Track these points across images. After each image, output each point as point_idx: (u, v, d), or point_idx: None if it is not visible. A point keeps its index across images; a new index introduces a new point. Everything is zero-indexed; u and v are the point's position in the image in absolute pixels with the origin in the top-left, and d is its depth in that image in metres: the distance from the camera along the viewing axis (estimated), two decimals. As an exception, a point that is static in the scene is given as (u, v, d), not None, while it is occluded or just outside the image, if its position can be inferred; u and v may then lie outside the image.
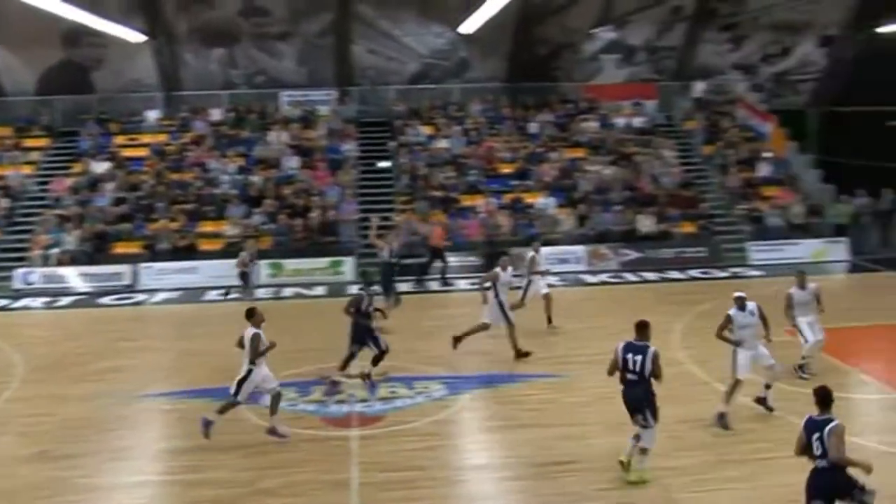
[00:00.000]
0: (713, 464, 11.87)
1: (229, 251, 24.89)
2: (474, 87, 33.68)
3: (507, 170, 29.92)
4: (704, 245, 27.38)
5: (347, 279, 25.26)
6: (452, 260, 25.80)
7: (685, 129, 33.35)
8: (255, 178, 28.63)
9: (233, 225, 26.60)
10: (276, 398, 12.82)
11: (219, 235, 26.45)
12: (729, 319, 13.41)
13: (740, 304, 13.47)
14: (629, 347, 11.22)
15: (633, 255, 26.62)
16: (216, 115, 32.21)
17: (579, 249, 26.47)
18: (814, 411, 8.99)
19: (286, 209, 27.16)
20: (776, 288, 17.20)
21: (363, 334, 15.02)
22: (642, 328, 11.33)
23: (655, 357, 11.08)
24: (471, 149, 30.57)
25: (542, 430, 13.08)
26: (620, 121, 32.98)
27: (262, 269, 25.00)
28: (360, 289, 15.62)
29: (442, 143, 30.77)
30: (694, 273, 25.72)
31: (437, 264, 25.56)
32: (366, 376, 15.00)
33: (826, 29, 34.68)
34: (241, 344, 12.66)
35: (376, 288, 17.45)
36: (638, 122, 33.17)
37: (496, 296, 16.79)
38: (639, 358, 11.10)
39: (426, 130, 31.66)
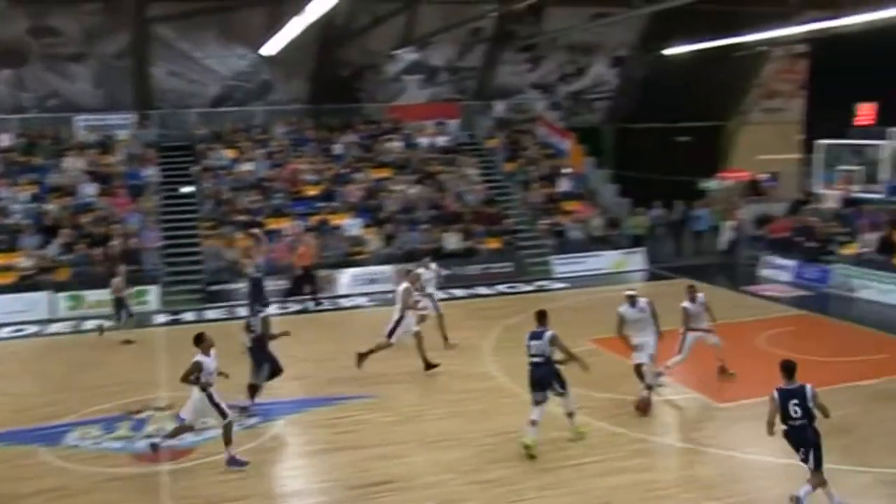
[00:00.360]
0: (527, 473, 12.17)
1: (23, 285, 23.82)
2: (278, 109, 33.37)
3: (312, 192, 29.75)
4: (510, 260, 28.08)
5: (153, 308, 24.52)
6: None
7: (487, 148, 34.10)
8: (50, 207, 27.33)
9: (27, 257, 25.29)
10: (228, 427, 12.57)
11: (11, 268, 25.07)
12: (621, 317, 14.67)
13: (631, 301, 14.70)
14: (531, 336, 12.94)
15: (440, 272, 26.98)
16: (5, 140, 30.50)
17: (387, 269, 26.63)
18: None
19: (85, 238, 26.04)
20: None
21: (260, 357, 15.05)
22: (541, 316, 13.05)
23: (552, 339, 12.80)
24: (275, 171, 30.26)
25: (357, 451, 13.09)
26: (424, 140, 33.43)
27: (61, 302, 23.99)
28: (249, 317, 15.87)
29: (246, 167, 30.30)
30: (501, 288, 26.36)
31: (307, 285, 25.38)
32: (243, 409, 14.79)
33: (617, 50, 36.25)
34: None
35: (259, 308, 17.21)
36: (441, 141, 33.71)
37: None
38: (538, 342, 12.80)
39: (230, 154, 31.07)
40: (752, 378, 15.50)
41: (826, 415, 10.55)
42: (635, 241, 30.08)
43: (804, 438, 10.50)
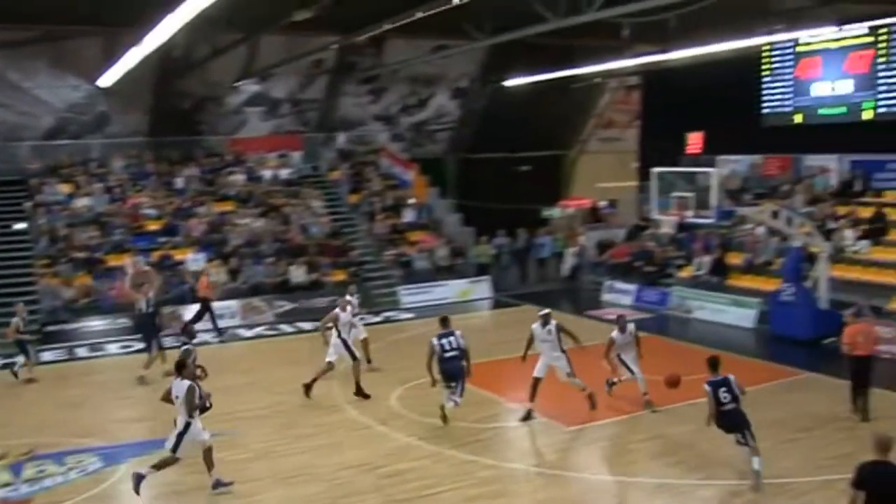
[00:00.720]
0: (381, 507, 12.08)
1: None
2: (116, 141, 32.33)
3: (153, 226, 28.96)
4: (356, 292, 27.95)
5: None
6: (100, 323, 24.65)
7: (331, 180, 34.04)
8: None
9: None
10: (208, 452, 12.51)
11: None
12: (532, 334, 15.86)
13: (544, 320, 15.76)
14: (440, 336, 15.06)
15: (287, 306, 26.69)
16: None
17: (233, 304, 26.15)
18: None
19: None
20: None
21: None
22: (445, 321, 15.46)
23: (461, 336, 15.14)
24: (115, 206, 29.31)
25: (209, 491, 12.72)
26: (267, 173, 33.08)
27: None
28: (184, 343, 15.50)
29: (83, 202, 29.24)
30: (349, 320, 26.21)
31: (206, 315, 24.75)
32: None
33: (458, 81, 36.82)
34: (168, 398, 12.50)
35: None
36: (285, 173, 33.45)
37: (339, 335, 17.48)
38: (451, 339, 15.03)
39: (65, 188, 29.94)
40: (598, 401, 15.88)
41: (743, 393, 12.29)
42: (480, 270, 30.56)
43: (738, 421, 12.20)
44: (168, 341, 21.30)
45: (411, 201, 32.92)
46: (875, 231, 24.36)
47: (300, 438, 15.04)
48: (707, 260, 26.61)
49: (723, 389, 12.19)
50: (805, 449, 13.90)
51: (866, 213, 25.17)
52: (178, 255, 27.40)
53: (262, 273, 27.30)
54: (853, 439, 14.12)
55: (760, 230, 26.47)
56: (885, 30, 24.44)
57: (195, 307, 24.82)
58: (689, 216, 22.78)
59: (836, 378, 17.50)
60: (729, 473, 12.80)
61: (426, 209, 33.00)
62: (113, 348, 23.37)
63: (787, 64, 27.44)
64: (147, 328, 20.40)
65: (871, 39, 24.91)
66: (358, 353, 17.92)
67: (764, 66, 28.02)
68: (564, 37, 27.53)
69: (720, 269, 26.11)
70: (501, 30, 23.54)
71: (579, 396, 15.97)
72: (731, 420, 12.22)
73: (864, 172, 26.73)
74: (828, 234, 24.12)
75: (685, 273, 27.18)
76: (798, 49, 26.98)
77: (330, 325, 17.73)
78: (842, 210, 25.66)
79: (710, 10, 22.27)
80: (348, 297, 19.19)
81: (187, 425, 12.28)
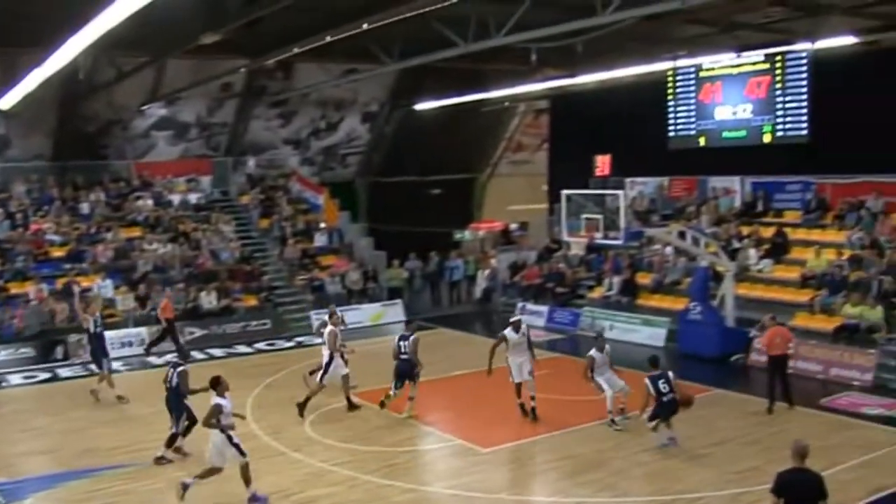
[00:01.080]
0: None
1: None
2: (17, 166, 31.40)
3: (58, 253, 28.19)
4: (268, 317, 27.71)
5: None
6: (2, 353, 23.89)
7: (241, 204, 33.66)
8: None
9: None
10: (245, 467, 12.87)
11: None
12: (504, 338, 17.02)
13: (515, 326, 17.17)
14: (399, 338, 17.38)
15: (198, 332, 26.25)
16: None
17: (142, 331, 25.60)
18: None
19: None
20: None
21: (177, 405, 15.13)
22: (409, 323, 18.66)
23: (415, 341, 17.17)
24: (16, 233, 28.44)
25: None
26: (176, 198, 32.55)
27: None
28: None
29: (-18, 228, 28.42)
30: (260, 346, 25.91)
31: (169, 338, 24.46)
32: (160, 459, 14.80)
33: (369, 105, 36.82)
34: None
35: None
36: (194, 198, 32.98)
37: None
38: (405, 343, 17.16)
39: (-38, 215, 29.07)
40: (511, 423, 15.98)
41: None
42: (393, 294, 30.54)
43: (674, 409, 14.83)
44: (69, 371, 20.81)
45: (322, 225, 32.75)
46: (777, 250, 25.05)
47: (213, 466, 14.74)
48: (617, 280, 27.04)
49: (662, 381, 14.77)
50: (715, 463, 14.19)
51: (768, 232, 25.87)
52: (84, 282, 26.70)
53: (171, 300, 26.74)
54: (761, 453, 14.52)
55: (668, 250, 27.04)
56: (780, 57, 25.23)
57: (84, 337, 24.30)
58: (599, 238, 23.08)
59: (744, 394, 17.97)
60: (640, 489, 12.99)
61: (337, 233, 32.86)
62: (15, 379, 22.64)
63: (690, 89, 28.10)
64: (96, 349, 20.02)
65: (767, 66, 25.69)
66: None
67: (669, 91, 28.66)
68: (474, 61, 27.86)
69: (630, 289, 26.55)
70: (411, 54, 23.66)
71: (495, 418, 16.07)
72: (670, 409, 14.78)
73: (766, 193, 27.51)
74: (733, 254, 24.74)
75: (596, 294, 27.56)
76: (701, 74, 27.66)
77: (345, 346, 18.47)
78: (745, 230, 26.34)
79: (616, 36, 22.76)
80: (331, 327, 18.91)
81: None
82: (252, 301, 28.20)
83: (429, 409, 17.49)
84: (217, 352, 24.96)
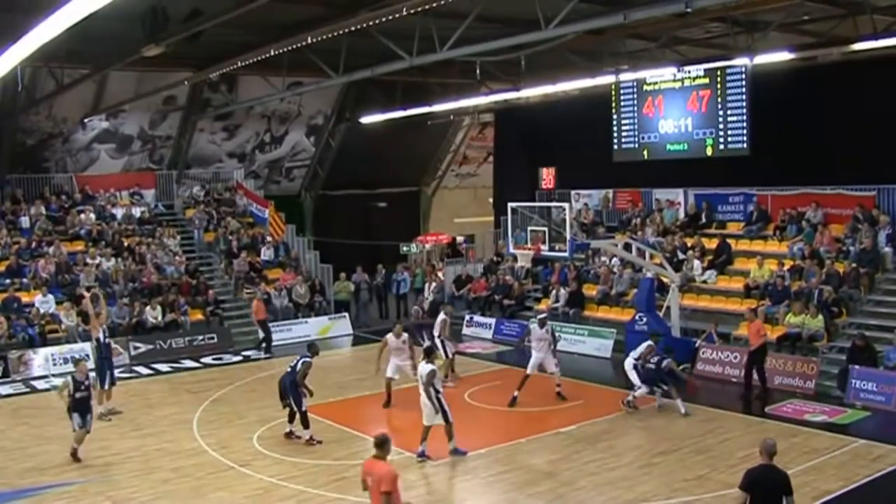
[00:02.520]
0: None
1: None
2: (-48, 179, 30.82)
3: (-3, 268, 27.72)
4: (214, 331, 27.44)
5: None
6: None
7: (186, 218, 33.35)
8: None
9: None
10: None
11: None
12: (529, 331, 19.52)
13: (541, 322, 19.34)
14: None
15: (143, 347, 25.89)
16: None
17: (86, 346, 25.11)
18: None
19: None
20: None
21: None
22: (311, 346, 17.30)
23: (305, 365, 16.38)
24: (-46, 248, 27.94)
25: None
26: (119, 211, 32.15)
27: None
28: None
29: (-83, 243, 27.78)
30: (207, 360, 25.60)
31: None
32: None
33: (313, 119, 36.70)
34: None
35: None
36: (138, 211, 32.59)
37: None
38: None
39: None
40: (461, 434, 15.96)
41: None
42: (340, 307, 30.42)
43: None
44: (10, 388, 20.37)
45: (268, 239, 32.57)
46: (720, 261, 25.42)
47: (160, 483, 14.55)
48: (564, 292, 27.21)
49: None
50: (663, 472, 14.33)
51: (711, 244, 26.23)
52: (25, 298, 26.24)
53: (116, 314, 26.36)
54: (708, 461, 14.72)
55: (614, 262, 27.29)
56: (720, 72, 25.63)
57: (43, 350, 23.91)
58: (545, 250, 23.22)
59: (690, 403, 18.14)
60: (591, 499, 13.08)
61: (283, 247, 32.68)
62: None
63: (634, 102, 28.42)
64: (104, 360, 19.51)
65: (707, 80, 26.07)
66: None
67: (612, 105, 28.96)
68: (419, 74, 27.98)
69: (576, 300, 26.73)
70: (356, 67, 23.66)
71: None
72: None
73: (709, 205, 27.92)
74: (677, 265, 25.05)
75: (543, 305, 27.69)
76: (644, 88, 27.99)
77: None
78: (689, 241, 26.67)
79: (559, 51, 23.05)
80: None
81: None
82: (198, 315, 27.89)
83: (377, 423, 17.45)
84: (163, 367, 24.64)
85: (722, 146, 25.90)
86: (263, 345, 26.39)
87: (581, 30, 18.38)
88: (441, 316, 21.77)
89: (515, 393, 18.65)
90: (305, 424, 16.36)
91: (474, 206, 43.51)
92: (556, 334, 20.56)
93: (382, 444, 9.83)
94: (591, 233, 29.20)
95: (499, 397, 18.94)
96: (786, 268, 23.44)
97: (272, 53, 21.50)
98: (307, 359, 16.49)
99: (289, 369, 16.61)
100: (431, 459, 15.16)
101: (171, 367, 24.82)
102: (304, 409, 16.37)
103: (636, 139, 28.43)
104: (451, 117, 38.39)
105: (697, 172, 27.37)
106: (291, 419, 16.66)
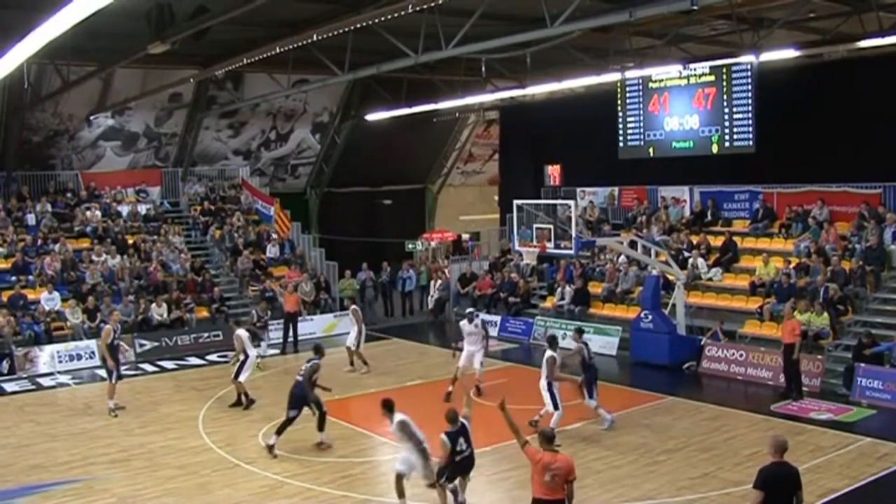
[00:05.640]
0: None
1: None
2: (-41, 177, 30.88)
3: (3, 265, 27.68)
4: (220, 329, 27.42)
5: None
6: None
7: (192, 215, 33.40)
8: None
9: None
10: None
11: None
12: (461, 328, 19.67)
13: (469, 317, 19.86)
14: (308, 360, 16.28)
15: (149, 344, 25.93)
16: None
17: (91, 344, 25.21)
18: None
19: None
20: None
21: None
22: (317, 349, 16.67)
23: (311, 368, 15.95)
24: (-41, 245, 27.97)
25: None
26: (125, 208, 32.20)
27: None
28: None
29: (-78, 240, 27.83)
30: (212, 357, 25.62)
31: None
32: None
33: (320, 116, 36.70)
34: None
35: None
36: (144, 209, 32.63)
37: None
38: (307, 365, 16.04)
39: None
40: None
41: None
42: (345, 304, 30.39)
43: (471, 466, 12.42)
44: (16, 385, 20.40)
45: (274, 236, 32.58)
46: (726, 258, 25.38)
47: (165, 480, 14.58)
48: (569, 290, 27.19)
49: (461, 439, 12.27)
50: (668, 471, 14.32)
51: (717, 241, 26.20)
52: (31, 295, 26.28)
53: (121, 312, 26.35)
54: (714, 459, 14.70)
55: (620, 260, 27.25)
56: (725, 69, 25.60)
57: (49, 348, 23.94)
58: (551, 247, 23.21)
59: (696, 401, 18.15)
60: (596, 497, 13.06)
61: (289, 244, 32.70)
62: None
63: (639, 99, 28.38)
64: (114, 356, 19.61)
65: (713, 78, 26.04)
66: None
67: (618, 102, 28.92)
68: (424, 72, 27.95)
69: (582, 298, 26.72)
70: (361, 65, 23.64)
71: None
72: (468, 464, 12.45)
73: (715, 203, 27.89)
74: (683, 263, 25.02)
75: (548, 303, 27.70)
76: (649, 85, 27.96)
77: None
78: (695, 239, 26.65)
79: (565, 48, 23.01)
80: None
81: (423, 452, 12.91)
82: (204, 312, 27.94)
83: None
84: (169, 364, 24.69)
85: (728, 143, 25.87)
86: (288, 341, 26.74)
87: (587, 27, 18.39)
88: (548, 353, 17.42)
89: (450, 388, 19.01)
90: (321, 427, 16.18)
91: (480, 203, 43.52)
92: (488, 329, 21.36)
93: (552, 438, 10.43)
94: (596, 230, 29.14)
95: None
96: (791, 265, 23.39)
97: (278, 51, 21.50)
98: (315, 360, 16.35)
99: (299, 378, 16.07)
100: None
101: (177, 364, 24.86)
102: (325, 409, 16.13)
103: (642, 137, 28.40)
104: (457, 115, 38.40)
105: (703, 170, 27.37)
106: (321, 427, 16.20)
